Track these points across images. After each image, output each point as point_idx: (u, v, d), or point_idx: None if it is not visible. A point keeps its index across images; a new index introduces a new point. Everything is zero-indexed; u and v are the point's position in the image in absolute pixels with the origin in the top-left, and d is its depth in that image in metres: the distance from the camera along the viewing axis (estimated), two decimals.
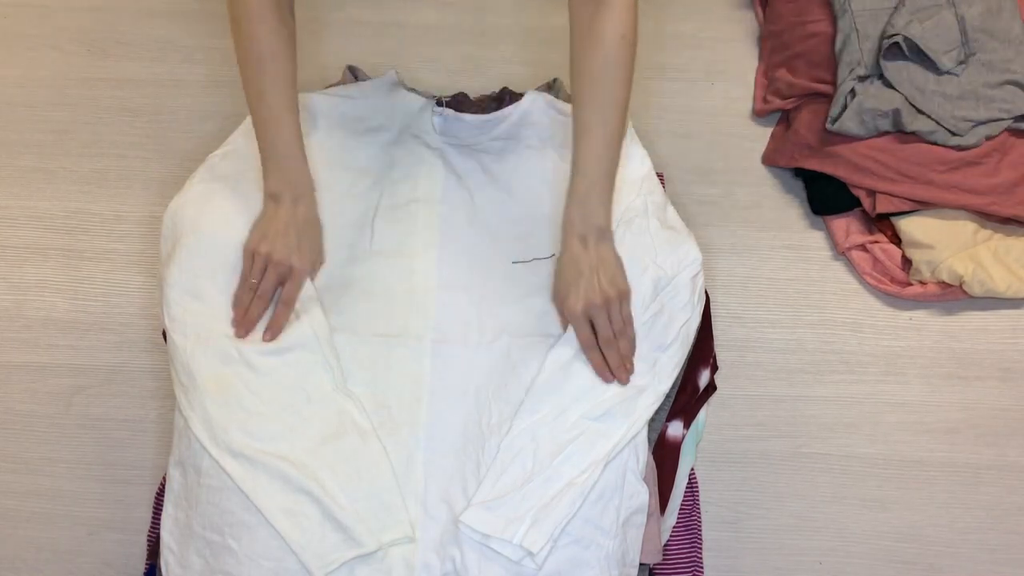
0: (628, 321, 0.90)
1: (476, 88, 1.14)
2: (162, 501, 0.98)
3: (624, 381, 0.89)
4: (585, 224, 0.89)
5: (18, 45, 1.26)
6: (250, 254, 0.91)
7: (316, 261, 0.94)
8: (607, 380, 0.89)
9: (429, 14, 1.28)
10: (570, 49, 0.89)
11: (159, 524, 0.96)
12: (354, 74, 1.12)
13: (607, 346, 0.89)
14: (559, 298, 0.92)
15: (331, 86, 1.11)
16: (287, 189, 0.92)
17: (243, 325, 0.90)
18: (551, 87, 1.12)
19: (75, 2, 1.29)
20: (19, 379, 1.07)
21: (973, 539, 1.01)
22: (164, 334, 1.03)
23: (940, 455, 1.05)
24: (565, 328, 0.92)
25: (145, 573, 0.95)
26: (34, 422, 1.05)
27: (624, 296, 0.90)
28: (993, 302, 1.11)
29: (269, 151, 0.91)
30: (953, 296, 1.09)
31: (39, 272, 1.12)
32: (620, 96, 0.87)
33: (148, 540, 0.98)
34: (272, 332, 0.90)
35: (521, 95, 1.07)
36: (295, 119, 0.91)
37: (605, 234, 0.90)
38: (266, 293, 0.90)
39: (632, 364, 0.90)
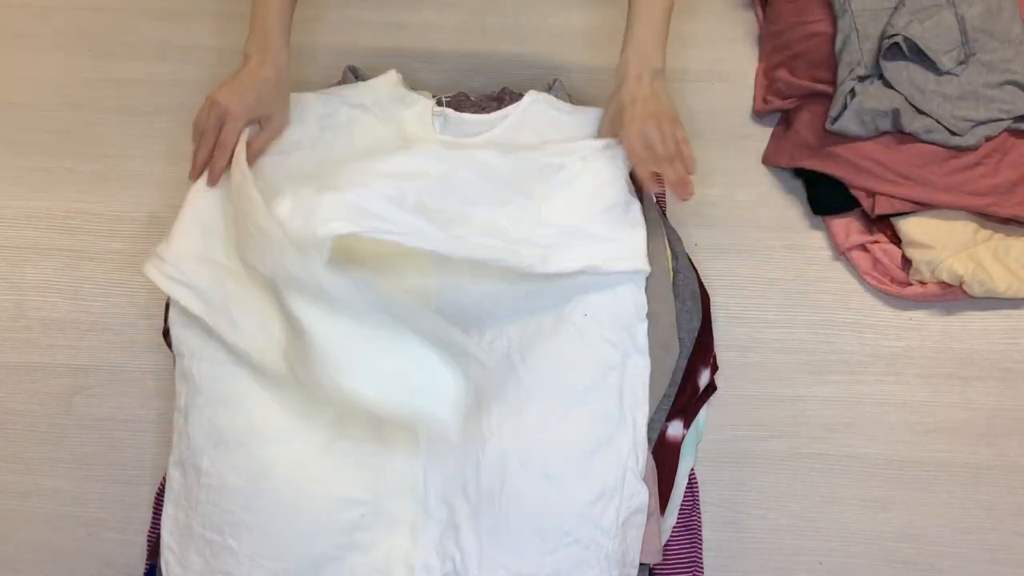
0: (684, 142, 0.92)
1: (476, 88, 1.14)
2: (162, 501, 0.98)
3: (686, 197, 0.92)
4: (642, 65, 0.94)
5: (18, 45, 1.26)
6: (206, 100, 0.94)
7: (261, 114, 0.95)
8: (652, 190, 0.96)
9: (429, 14, 1.28)
10: None
11: (159, 524, 0.96)
12: (355, 74, 1.12)
13: (667, 163, 0.92)
14: (614, 121, 0.95)
15: (332, 86, 1.11)
16: (257, 51, 0.95)
17: (194, 169, 0.94)
18: (551, 87, 1.12)
19: (75, 2, 1.29)
20: (19, 379, 1.07)
21: (973, 539, 1.02)
22: (164, 334, 1.03)
23: (940, 455, 1.05)
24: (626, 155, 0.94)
25: (145, 573, 0.95)
26: (34, 422, 1.05)
27: (677, 123, 0.93)
28: (993, 302, 1.11)
29: (254, 11, 0.96)
30: (953, 296, 1.09)
31: (39, 272, 1.12)
32: None
33: (148, 540, 0.98)
34: (209, 175, 0.94)
35: (521, 95, 1.07)
36: None
37: (660, 75, 0.95)
38: (207, 133, 0.92)
39: (692, 184, 0.93)
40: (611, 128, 0.97)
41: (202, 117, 0.93)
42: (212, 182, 0.94)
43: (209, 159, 0.93)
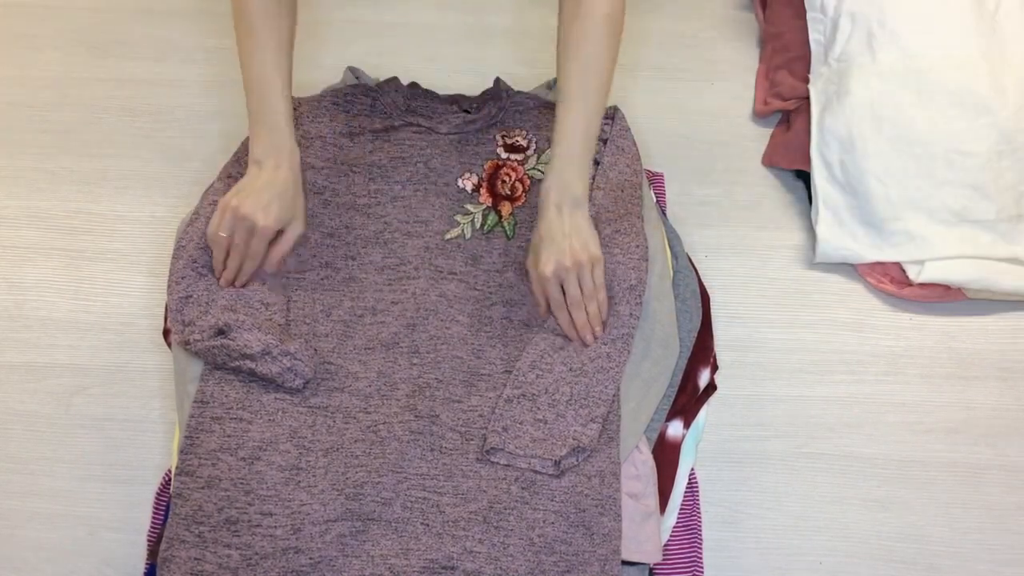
0: (599, 286, 0.92)
1: (476, 88, 1.14)
2: (162, 501, 0.98)
3: (589, 341, 0.92)
4: (562, 193, 0.92)
5: (18, 45, 1.26)
6: (221, 208, 0.92)
7: (286, 221, 0.94)
8: (573, 339, 0.93)
9: (429, 14, 1.28)
10: (558, 24, 0.93)
11: (159, 524, 0.96)
12: (355, 75, 1.12)
13: (575, 307, 0.91)
14: (531, 262, 0.94)
15: (332, 87, 1.11)
16: (270, 155, 0.93)
17: (223, 277, 0.94)
18: (551, 87, 1.13)
19: (75, 2, 1.29)
20: (19, 379, 1.07)
21: (973, 539, 1.01)
22: (165, 334, 1.03)
23: (940, 455, 1.05)
24: (537, 294, 0.95)
25: (145, 573, 0.95)
26: (34, 422, 1.05)
27: (596, 261, 0.92)
28: (993, 302, 1.11)
29: (255, 116, 0.93)
30: (953, 297, 1.09)
31: (39, 272, 1.12)
32: (602, 71, 0.91)
33: (148, 540, 0.98)
34: (236, 282, 0.93)
35: (513, 90, 1.08)
36: (283, 83, 0.93)
37: (580, 203, 0.92)
38: (237, 247, 0.92)
39: (600, 327, 0.93)
40: (532, 268, 0.95)
41: (224, 226, 0.91)
42: (227, 284, 0.94)
43: (236, 268, 0.93)
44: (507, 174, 1.04)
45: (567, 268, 0.90)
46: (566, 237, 0.91)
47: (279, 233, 0.94)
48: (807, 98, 1.16)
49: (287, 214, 0.93)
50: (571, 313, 0.92)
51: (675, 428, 0.98)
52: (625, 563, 0.89)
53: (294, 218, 0.95)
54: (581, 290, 0.91)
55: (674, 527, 0.98)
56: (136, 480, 1.02)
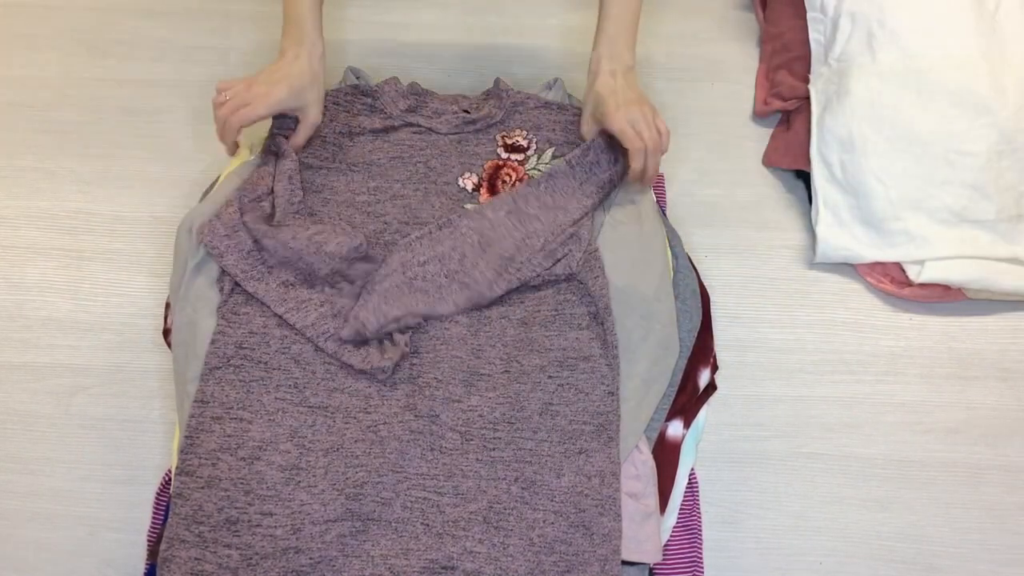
0: (666, 134, 0.96)
1: (476, 88, 1.14)
2: (162, 501, 0.99)
3: (648, 186, 1.00)
4: (614, 62, 0.98)
5: (18, 45, 1.26)
6: (235, 84, 0.97)
7: (292, 107, 0.99)
8: (643, 184, 0.99)
9: (429, 14, 1.28)
10: None
11: (159, 524, 0.97)
12: (355, 74, 1.12)
13: (652, 154, 0.95)
14: (595, 114, 0.99)
15: (332, 87, 1.11)
16: (291, 47, 0.98)
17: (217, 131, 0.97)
18: (551, 86, 1.12)
19: (75, 2, 1.29)
20: (19, 379, 1.07)
21: (973, 539, 1.02)
22: (165, 334, 1.03)
23: (940, 455, 1.05)
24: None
25: (145, 573, 0.95)
26: (34, 422, 1.05)
27: (657, 112, 0.97)
28: (993, 302, 1.11)
29: (285, 10, 0.99)
30: (953, 297, 1.09)
31: (40, 272, 1.12)
32: None
33: (148, 540, 0.98)
34: (225, 138, 0.97)
35: (513, 90, 1.08)
36: None
37: (631, 72, 0.99)
38: (224, 110, 0.95)
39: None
40: (592, 121, 1.01)
41: (232, 92, 0.95)
42: (227, 141, 0.97)
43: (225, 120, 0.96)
44: (507, 174, 1.04)
45: (637, 117, 0.94)
46: (624, 92, 0.96)
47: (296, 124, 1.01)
48: (807, 98, 1.16)
49: (294, 101, 0.98)
50: (648, 159, 0.95)
51: (675, 428, 0.99)
52: (625, 563, 0.89)
53: (306, 106, 0.99)
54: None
55: (674, 527, 0.98)
56: (136, 480, 1.02)
